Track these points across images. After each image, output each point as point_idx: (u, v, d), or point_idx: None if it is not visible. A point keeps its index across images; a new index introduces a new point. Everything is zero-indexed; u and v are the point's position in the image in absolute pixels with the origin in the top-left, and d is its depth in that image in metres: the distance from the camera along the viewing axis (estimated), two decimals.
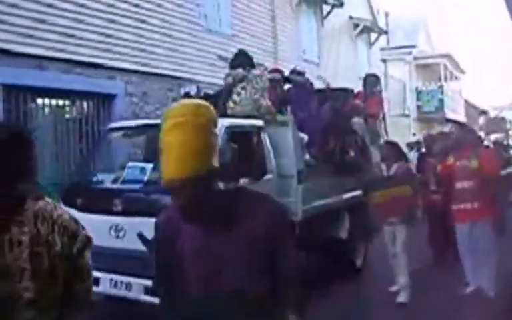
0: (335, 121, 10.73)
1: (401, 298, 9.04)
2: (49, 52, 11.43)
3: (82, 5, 12.21)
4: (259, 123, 8.92)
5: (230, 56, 10.88)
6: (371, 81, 14.04)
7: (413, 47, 32.48)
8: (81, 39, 12.11)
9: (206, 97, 9.38)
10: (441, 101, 34.22)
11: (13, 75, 10.61)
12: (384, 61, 31.66)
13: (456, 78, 39.88)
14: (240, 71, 9.63)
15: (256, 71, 9.68)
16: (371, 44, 29.66)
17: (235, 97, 9.36)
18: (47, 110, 11.81)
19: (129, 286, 7.47)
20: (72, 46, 11.86)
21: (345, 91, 13.12)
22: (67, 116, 12.15)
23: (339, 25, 25.84)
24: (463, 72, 42.46)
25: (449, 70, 37.92)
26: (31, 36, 11.06)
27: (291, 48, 20.95)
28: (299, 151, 9.33)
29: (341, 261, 11.08)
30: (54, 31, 11.59)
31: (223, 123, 7.55)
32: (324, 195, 9.99)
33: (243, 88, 9.34)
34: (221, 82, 10.33)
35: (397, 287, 9.28)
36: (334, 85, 22.58)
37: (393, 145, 9.74)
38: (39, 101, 11.64)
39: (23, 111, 10.95)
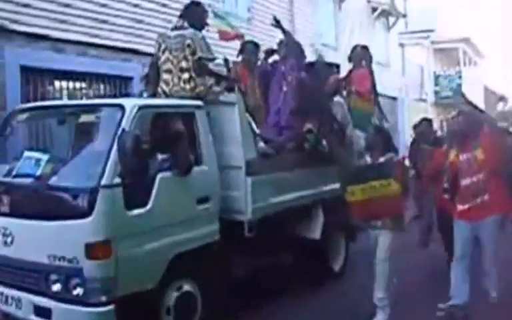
0: (307, 100, 9.10)
1: (378, 318, 7.69)
2: (66, 34, 11.41)
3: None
4: (192, 102, 7.46)
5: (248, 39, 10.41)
6: (358, 53, 11.31)
7: (432, 31, 31.99)
8: (99, 21, 12.15)
9: None
10: (459, 86, 33.67)
11: (31, 57, 10.66)
12: (402, 45, 31.22)
13: (475, 63, 39.36)
14: (169, 32, 8.04)
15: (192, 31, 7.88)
16: (389, 28, 29.33)
17: (163, 75, 7.88)
18: (64, 92, 11.77)
19: (18, 303, 6.40)
20: (88, 28, 11.89)
21: (334, 66, 11.64)
22: (84, 99, 11.90)
23: (356, 9, 25.53)
24: (482, 56, 41.88)
25: (468, 55, 37.45)
26: (49, 19, 11.08)
27: (308, 32, 20.43)
28: (248, 137, 7.87)
29: (315, 265, 9.58)
30: (73, 13, 11.61)
31: (135, 103, 6.67)
32: (287, 190, 8.51)
33: (167, 60, 7.83)
34: None
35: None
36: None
37: (381, 133, 8.25)
38: (57, 83, 11.62)
39: (40, 93, 10.97)
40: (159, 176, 6.62)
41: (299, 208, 8.88)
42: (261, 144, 8.16)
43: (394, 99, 28.69)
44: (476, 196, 7.62)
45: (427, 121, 11.66)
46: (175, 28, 7.95)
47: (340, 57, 21.43)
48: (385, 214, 7.55)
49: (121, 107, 6.47)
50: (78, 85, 12.12)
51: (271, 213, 8.12)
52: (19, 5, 10.56)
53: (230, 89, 7.83)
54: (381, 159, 7.76)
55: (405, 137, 25.34)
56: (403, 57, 31.04)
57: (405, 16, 30.22)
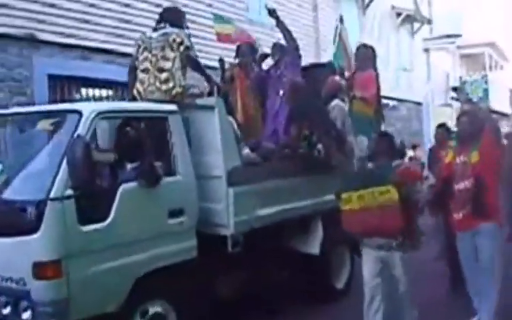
0: (300, 104, 8.10)
1: None
2: (93, 43, 11.44)
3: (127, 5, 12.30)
4: (164, 107, 6.59)
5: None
6: (363, 53, 9.98)
7: (457, 36, 30.77)
8: (128, 30, 11.89)
9: None
10: (485, 90, 32.50)
11: (58, 65, 10.67)
12: (427, 50, 30.20)
13: (501, 67, 38.01)
14: (149, 33, 7.31)
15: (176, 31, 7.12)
16: (413, 33, 28.43)
17: (140, 74, 7.09)
18: (91, 100, 11.52)
19: None
20: (116, 37, 11.80)
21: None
22: None
23: (381, 14, 24.78)
24: (507, 60, 40.52)
25: (493, 59, 36.30)
26: (76, 28, 11.14)
27: (332, 37, 19.25)
28: (230, 144, 6.91)
29: (314, 282, 8.49)
30: (99, 29, 11.67)
31: (94, 108, 5.91)
32: (279, 201, 7.46)
33: (145, 59, 7.04)
34: None
35: None
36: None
37: (385, 138, 7.11)
38: (83, 91, 11.54)
39: (68, 101, 10.55)
40: (122, 187, 5.80)
41: (294, 220, 7.93)
42: (246, 151, 7.26)
43: (419, 104, 27.96)
44: (468, 202, 6.67)
45: (443, 127, 10.52)
46: (156, 29, 7.24)
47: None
48: (384, 228, 6.39)
49: (78, 113, 5.71)
50: (104, 92, 11.97)
51: (260, 226, 7.18)
52: (46, 15, 10.59)
53: (210, 92, 7.08)
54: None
55: (430, 143, 24.19)
56: (427, 62, 30.09)
57: (430, 22, 29.30)
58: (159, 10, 11.99)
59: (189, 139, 6.76)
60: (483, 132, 6.70)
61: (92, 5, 11.48)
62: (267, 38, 14.60)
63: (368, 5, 23.43)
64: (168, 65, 6.86)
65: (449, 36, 30.28)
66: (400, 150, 7.52)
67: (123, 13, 12.14)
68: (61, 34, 10.60)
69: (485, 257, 6.63)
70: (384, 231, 6.37)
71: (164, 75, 6.83)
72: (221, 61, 9.38)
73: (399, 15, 26.44)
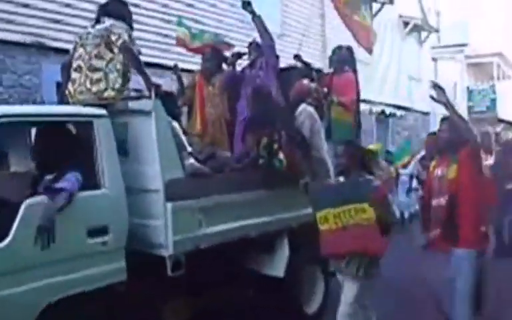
0: (262, 109, 7.05)
1: None
2: None
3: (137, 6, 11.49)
4: (90, 111, 5.61)
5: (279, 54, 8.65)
6: (339, 55, 8.97)
7: (465, 45, 29.72)
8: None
9: None
10: (493, 100, 31.32)
11: None
12: (434, 59, 29.11)
13: (509, 77, 36.50)
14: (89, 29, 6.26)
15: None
16: (421, 42, 27.38)
17: (72, 73, 6.06)
18: None
19: None
20: None
21: (314, 71, 8.93)
22: None
23: (388, 23, 23.74)
24: None
25: (501, 69, 34.73)
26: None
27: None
28: (170, 153, 5.86)
29: (281, 308, 7.28)
30: None
31: None
32: (231, 217, 6.38)
33: (79, 57, 6.01)
34: None
35: None
36: (381, 84, 22.23)
37: (352, 147, 6.24)
38: None
39: None
40: (26, 202, 4.77)
41: (255, 239, 6.79)
42: (190, 161, 6.12)
43: (426, 114, 26.86)
44: (441, 222, 5.79)
45: (434, 135, 9.43)
46: (96, 23, 6.22)
47: (372, 73, 21.00)
48: (359, 248, 5.57)
49: None
50: None
51: (210, 246, 6.12)
52: (53, 22, 10.21)
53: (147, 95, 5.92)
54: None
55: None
56: (435, 71, 28.90)
57: (437, 31, 28.29)
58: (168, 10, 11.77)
59: (126, 147, 5.78)
60: (463, 144, 5.69)
61: None
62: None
63: (376, 14, 22.43)
64: (101, 64, 5.84)
65: (456, 45, 29.35)
66: (374, 165, 6.49)
67: None
68: (70, 42, 9.80)
69: (457, 282, 5.66)
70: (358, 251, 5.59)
71: (96, 75, 5.82)
72: (175, 67, 8.48)
73: (406, 24, 25.51)
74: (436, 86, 5.88)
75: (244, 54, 8.42)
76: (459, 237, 5.61)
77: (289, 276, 7.13)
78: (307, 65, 8.98)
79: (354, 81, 8.76)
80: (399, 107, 23.55)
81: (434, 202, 5.85)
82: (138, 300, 5.61)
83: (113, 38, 5.86)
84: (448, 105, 5.74)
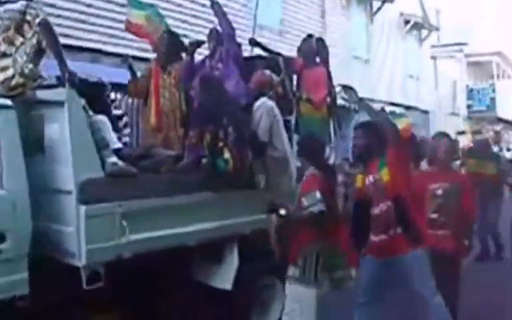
0: (209, 101, 5.94)
1: None
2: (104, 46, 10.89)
3: None
4: None
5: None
6: (309, 45, 7.78)
7: (465, 44, 28.71)
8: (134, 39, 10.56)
9: None
10: (493, 99, 30.32)
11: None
12: (434, 58, 28.04)
13: (508, 76, 35.34)
14: None
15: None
16: (421, 40, 26.39)
17: None
18: None
19: None
20: (129, 41, 10.23)
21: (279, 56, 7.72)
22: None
23: (389, 21, 23.19)
24: None
25: (501, 68, 33.60)
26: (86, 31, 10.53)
27: (340, 44, 18.46)
28: (86, 149, 4.93)
29: None
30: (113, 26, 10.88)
31: None
32: (165, 223, 5.38)
33: None
34: None
35: None
36: (380, 82, 21.38)
37: (312, 141, 5.46)
38: None
39: None
40: None
41: (200, 247, 5.81)
42: (112, 159, 5.13)
43: (426, 112, 25.89)
44: (388, 227, 4.88)
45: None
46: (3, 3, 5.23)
47: (371, 70, 20.66)
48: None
49: None
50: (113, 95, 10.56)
51: (136, 255, 5.12)
52: (55, 17, 9.34)
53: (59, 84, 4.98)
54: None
55: None
56: (435, 70, 28.05)
57: (437, 29, 27.32)
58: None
59: (42, 143, 4.92)
60: (388, 145, 4.94)
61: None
62: (273, 43, 13.77)
63: (376, 13, 22.04)
64: (10, 49, 4.95)
65: (456, 44, 28.28)
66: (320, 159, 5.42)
67: None
68: (90, 40, 9.98)
69: (417, 283, 4.92)
70: None
71: (4, 62, 4.92)
72: (126, 57, 7.49)
73: (407, 22, 24.66)
74: (346, 87, 5.20)
75: (203, 42, 7.38)
76: (416, 238, 4.88)
77: (238, 289, 6.08)
78: (267, 50, 7.93)
79: (325, 76, 7.70)
80: (398, 105, 22.26)
81: (375, 210, 4.91)
82: (46, 316, 4.73)
83: (29, 18, 4.96)
84: (361, 104, 5.45)
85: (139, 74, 7.25)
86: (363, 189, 5.01)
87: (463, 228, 5.86)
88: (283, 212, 4.90)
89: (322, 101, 7.57)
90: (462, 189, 5.84)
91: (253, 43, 7.93)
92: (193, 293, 6.24)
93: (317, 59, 7.80)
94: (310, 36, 8.04)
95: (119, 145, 5.47)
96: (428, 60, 27.23)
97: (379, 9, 21.78)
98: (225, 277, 6.08)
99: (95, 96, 5.27)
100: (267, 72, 6.88)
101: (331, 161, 7.34)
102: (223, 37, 7.04)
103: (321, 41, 8.00)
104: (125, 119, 6.91)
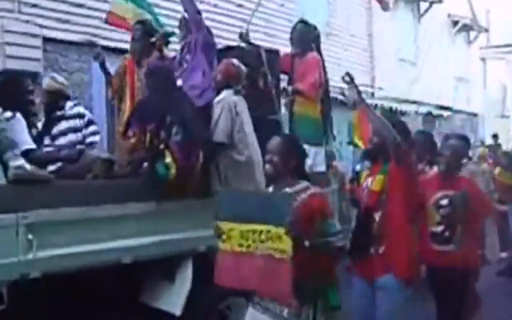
0: (153, 95, 4.94)
1: None
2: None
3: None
4: None
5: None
6: (300, 32, 6.77)
7: None
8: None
9: None
10: None
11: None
12: (483, 60, 26.19)
13: None
14: None
15: None
16: (470, 42, 24.54)
17: None
18: None
19: None
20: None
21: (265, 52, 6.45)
22: None
23: (437, 22, 21.56)
24: None
25: None
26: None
27: (386, 46, 17.69)
28: None
29: None
30: None
31: None
32: (88, 237, 4.31)
33: None
34: None
35: None
36: (428, 85, 19.81)
37: (293, 143, 4.05)
38: None
39: None
40: None
41: (143, 266, 4.78)
42: (18, 163, 4.16)
43: (474, 115, 24.14)
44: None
45: (424, 134, 6.86)
46: None
47: (418, 73, 19.31)
48: (264, 288, 3.55)
49: None
50: None
51: (48, 273, 4.10)
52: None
53: None
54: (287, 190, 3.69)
55: None
56: (484, 71, 26.19)
57: (487, 30, 25.49)
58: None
59: None
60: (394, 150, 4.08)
61: None
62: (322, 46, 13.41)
63: (423, 14, 20.65)
64: None
65: (506, 45, 26.41)
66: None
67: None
68: (120, 40, 8.95)
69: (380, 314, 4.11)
70: (265, 294, 3.60)
71: None
72: (98, 53, 6.36)
73: (455, 23, 23.00)
74: (349, 76, 4.12)
75: (172, 34, 6.32)
76: (383, 262, 4.08)
77: (190, 314, 4.90)
78: (254, 46, 6.65)
79: (317, 63, 6.54)
80: (445, 108, 21.06)
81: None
82: None
83: None
84: (362, 104, 4.26)
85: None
86: (361, 190, 4.33)
87: (473, 236, 4.90)
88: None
89: (310, 87, 6.42)
90: (471, 197, 4.80)
91: (244, 38, 6.65)
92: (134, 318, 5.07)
93: (310, 47, 6.70)
94: (301, 22, 6.93)
95: (31, 146, 4.57)
96: (477, 62, 25.41)
97: (427, 10, 20.43)
98: (174, 300, 4.96)
99: (9, 90, 4.58)
100: (235, 61, 5.64)
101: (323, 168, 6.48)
102: (189, 24, 5.94)
103: (313, 27, 6.90)
104: (88, 116, 5.86)
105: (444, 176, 4.94)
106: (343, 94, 4.28)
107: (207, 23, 6.05)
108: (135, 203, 4.58)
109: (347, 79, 4.14)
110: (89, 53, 8.61)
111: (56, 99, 5.91)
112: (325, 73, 6.59)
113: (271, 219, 3.44)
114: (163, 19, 7.13)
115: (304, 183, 3.72)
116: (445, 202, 4.81)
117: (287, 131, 6.39)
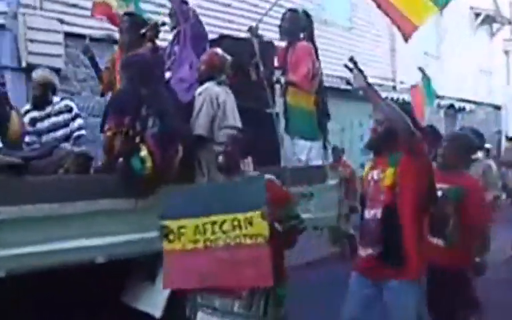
0: (129, 86, 4.63)
1: None
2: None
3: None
4: None
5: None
6: (291, 19, 6.39)
7: None
8: None
9: None
10: None
11: None
12: (507, 52, 25.22)
13: None
14: None
15: None
16: (493, 34, 23.80)
17: None
18: None
19: None
20: None
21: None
22: None
23: (459, 15, 20.74)
24: None
25: None
26: None
27: (410, 40, 15.92)
28: None
29: None
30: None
31: None
32: (55, 235, 4.03)
33: None
34: None
35: None
36: (451, 77, 19.28)
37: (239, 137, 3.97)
38: None
39: None
40: None
41: (131, 263, 4.61)
42: None
43: (498, 108, 23.50)
44: (375, 241, 3.83)
45: (430, 128, 6.75)
46: None
47: (441, 66, 18.74)
48: (242, 283, 3.39)
49: None
50: None
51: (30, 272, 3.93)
52: None
53: None
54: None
55: None
56: (507, 64, 25.23)
57: (510, 23, 24.54)
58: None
59: None
60: (404, 140, 3.74)
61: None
62: (342, 39, 13.74)
63: (445, 6, 18.93)
64: None
65: None
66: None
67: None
68: None
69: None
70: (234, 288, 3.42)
71: None
72: (87, 47, 6.34)
73: (477, 15, 22.25)
74: (352, 61, 3.79)
75: (163, 24, 5.86)
76: (398, 263, 3.76)
77: (171, 316, 4.60)
78: (264, 40, 6.34)
79: (309, 51, 6.16)
80: (468, 101, 20.53)
81: (366, 213, 3.96)
82: None
83: None
84: (370, 91, 3.82)
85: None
86: (366, 184, 4.06)
87: (467, 240, 4.54)
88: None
89: (303, 79, 6.06)
90: (467, 193, 4.54)
91: (252, 32, 6.13)
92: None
93: (302, 36, 6.35)
94: (290, 10, 6.54)
95: None
96: (500, 54, 24.63)
97: (448, 2, 19.25)
98: (154, 301, 4.64)
99: None
100: (219, 51, 5.36)
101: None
102: (184, 14, 5.73)
103: (304, 13, 6.52)
104: (75, 110, 5.77)
105: (442, 171, 4.63)
106: (348, 82, 3.89)
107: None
108: (109, 199, 4.32)
109: (350, 65, 3.85)
110: (109, 48, 8.53)
111: (46, 91, 5.72)
112: (319, 62, 6.23)
113: (238, 207, 3.24)
114: (151, 8, 6.83)
115: (255, 173, 3.64)
116: (438, 194, 4.51)
117: (283, 124, 6.09)
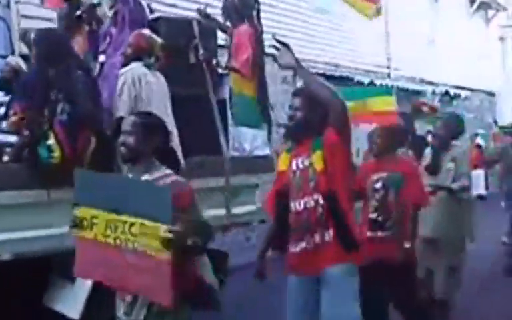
0: (38, 72, 4.07)
1: None
2: None
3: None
4: None
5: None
6: (233, 1, 5.81)
7: None
8: None
9: None
10: None
11: None
12: (502, 39, 24.63)
13: None
14: None
15: None
16: (488, 21, 23.30)
17: None
18: None
19: None
20: None
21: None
22: None
23: (454, 1, 20.61)
24: None
25: None
26: None
27: (401, 25, 16.52)
28: None
29: None
30: None
31: None
32: None
33: None
34: None
35: None
36: (445, 63, 18.79)
37: (151, 121, 3.14)
38: None
39: None
40: None
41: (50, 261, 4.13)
42: None
43: (492, 94, 22.87)
44: (312, 231, 3.36)
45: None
46: None
47: (436, 53, 18.21)
48: (142, 293, 2.92)
49: None
50: None
51: None
52: None
53: None
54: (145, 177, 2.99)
55: None
56: (503, 50, 24.59)
57: (505, 9, 23.98)
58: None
59: None
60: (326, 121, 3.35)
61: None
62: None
63: None
64: None
65: None
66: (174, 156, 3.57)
67: None
68: None
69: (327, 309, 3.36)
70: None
71: None
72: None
73: (473, 1, 21.77)
74: (278, 42, 3.40)
75: (98, 4, 5.38)
76: (357, 246, 3.43)
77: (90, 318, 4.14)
78: (214, 20, 5.92)
79: (249, 36, 5.56)
80: (463, 88, 19.93)
81: (296, 205, 3.42)
82: None
83: None
84: (298, 68, 3.41)
85: None
86: (287, 174, 3.52)
87: (405, 226, 4.34)
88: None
89: (243, 64, 5.50)
90: (405, 178, 4.36)
91: (202, 14, 5.75)
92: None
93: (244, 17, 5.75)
94: None
95: None
96: (495, 41, 24.05)
97: None
98: (72, 303, 4.16)
99: None
100: (146, 32, 4.82)
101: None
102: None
103: None
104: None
105: (379, 159, 4.46)
106: (274, 59, 3.39)
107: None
108: (14, 191, 3.81)
109: (277, 44, 3.41)
110: None
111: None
112: (259, 43, 5.62)
113: (146, 211, 2.78)
114: None
115: (165, 170, 3.01)
116: (378, 185, 4.35)
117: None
